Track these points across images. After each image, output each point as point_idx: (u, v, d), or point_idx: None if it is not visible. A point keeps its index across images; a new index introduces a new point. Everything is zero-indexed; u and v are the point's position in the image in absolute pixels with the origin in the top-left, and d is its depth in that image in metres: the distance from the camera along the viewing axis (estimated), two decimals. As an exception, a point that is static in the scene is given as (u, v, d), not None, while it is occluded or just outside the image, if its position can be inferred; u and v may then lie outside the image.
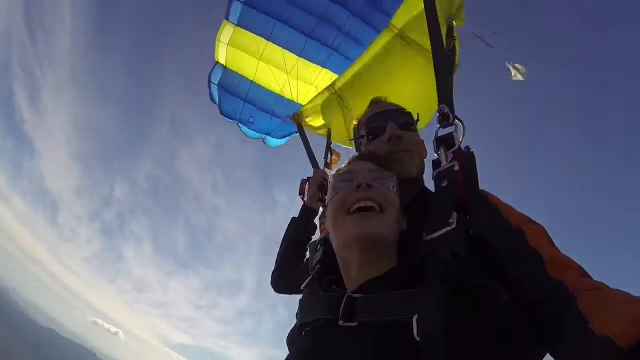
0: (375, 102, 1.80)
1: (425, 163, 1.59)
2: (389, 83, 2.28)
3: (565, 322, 0.81)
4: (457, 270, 0.96)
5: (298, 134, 2.74)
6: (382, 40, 2.27)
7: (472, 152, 1.28)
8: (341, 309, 1.05)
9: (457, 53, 1.69)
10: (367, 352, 0.95)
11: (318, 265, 1.35)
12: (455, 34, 1.92)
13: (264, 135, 2.96)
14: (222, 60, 2.64)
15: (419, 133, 1.68)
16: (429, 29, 1.67)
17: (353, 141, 1.86)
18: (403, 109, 1.70)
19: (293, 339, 1.25)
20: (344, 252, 1.19)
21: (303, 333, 1.17)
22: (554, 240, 1.03)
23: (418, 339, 0.87)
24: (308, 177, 2.43)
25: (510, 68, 2.19)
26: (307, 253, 1.78)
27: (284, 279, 2.08)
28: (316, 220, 2.29)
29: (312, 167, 2.63)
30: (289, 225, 2.30)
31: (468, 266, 0.99)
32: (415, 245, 1.11)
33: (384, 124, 1.57)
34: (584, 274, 0.92)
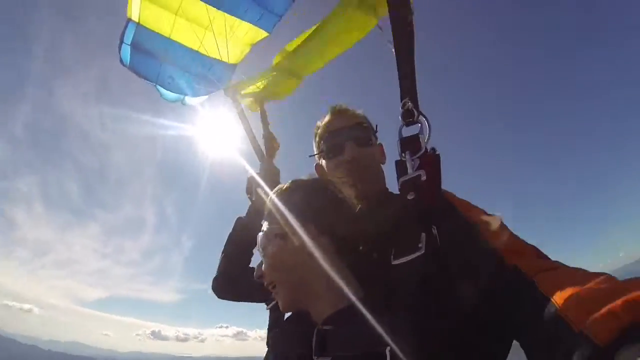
0: (335, 112, 1.72)
1: (383, 167, 1.64)
2: (333, 39, 2.19)
3: (528, 305, 0.83)
4: (427, 299, 0.98)
5: (212, 94, 2.64)
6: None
7: (438, 154, 1.22)
8: (314, 345, 1.06)
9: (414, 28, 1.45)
10: None
11: None
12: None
13: (183, 97, 2.78)
14: (135, 18, 2.37)
15: None
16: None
17: (313, 155, 1.79)
18: (362, 121, 1.67)
19: None
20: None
21: (272, 357, 1.25)
22: (507, 226, 1.07)
23: None
24: (256, 173, 2.21)
25: None
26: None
27: (229, 287, 2.02)
28: None
29: (257, 156, 2.43)
30: (234, 227, 2.13)
31: (438, 291, 0.99)
32: (382, 269, 1.12)
33: (343, 143, 1.57)
34: (540, 255, 0.97)
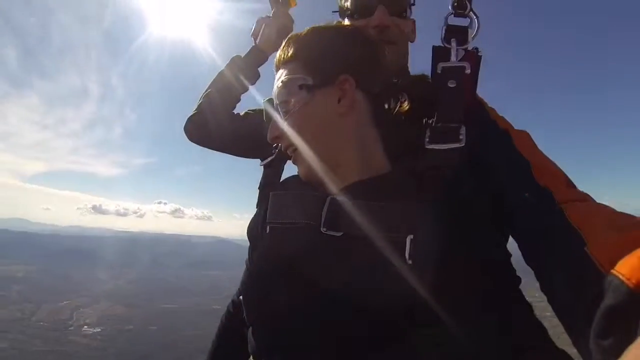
0: None
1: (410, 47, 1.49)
2: None
3: (555, 231, 0.82)
4: (461, 193, 0.93)
5: None
6: None
7: (481, 55, 1.17)
8: (323, 214, 0.97)
9: None
10: (350, 269, 0.89)
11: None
12: None
13: None
14: None
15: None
16: None
17: (337, 12, 1.53)
18: None
19: (257, 233, 1.15)
20: None
21: (268, 228, 1.08)
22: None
23: (410, 262, 0.84)
24: (267, 16, 1.76)
25: None
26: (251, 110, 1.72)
27: (206, 130, 1.71)
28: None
29: (270, 2, 1.86)
30: (229, 64, 1.74)
31: (470, 189, 0.95)
32: (411, 145, 1.05)
33: (374, 5, 1.36)
34: (570, 184, 0.94)
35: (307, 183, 1.09)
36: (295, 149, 1.06)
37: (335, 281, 0.87)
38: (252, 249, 1.18)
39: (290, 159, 1.13)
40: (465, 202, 0.92)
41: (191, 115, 1.72)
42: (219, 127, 1.67)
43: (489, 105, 1.22)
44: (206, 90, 1.74)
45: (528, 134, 1.08)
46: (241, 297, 1.09)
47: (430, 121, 1.09)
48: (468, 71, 1.13)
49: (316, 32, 1.13)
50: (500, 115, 1.18)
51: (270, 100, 1.14)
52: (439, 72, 1.15)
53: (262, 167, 1.38)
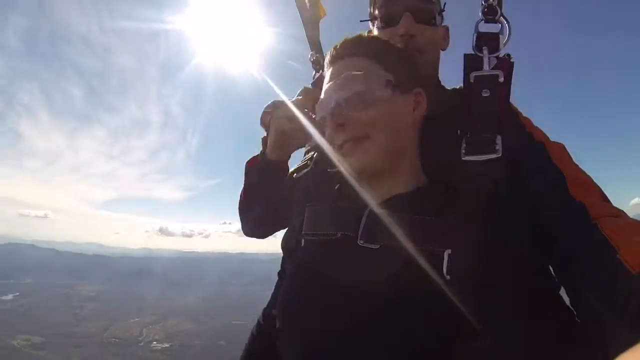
0: None
1: (441, 55, 1.46)
2: None
3: (588, 245, 0.81)
4: (496, 206, 0.91)
5: None
6: None
7: (513, 62, 1.14)
8: (361, 227, 0.97)
9: None
10: (387, 282, 0.87)
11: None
12: None
13: None
14: None
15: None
16: None
17: (365, 21, 1.52)
18: None
19: (292, 246, 1.16)
20: None
21: (305, 242, 1.10)
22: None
23: (448, 277, 0.83)
24: (274, 103, 1.41)
25: None
26: None
27: (267, 231, 1.66)
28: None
29: (301, 16, 1.92)
30: (252, 167, 1.54)
31: (505, 202, 0.94)
32: (447, 158, 1.04)
33: (400, 13, 1.34)
34: (604, 198, 0.94)
35: (339, 193, 1.11)
36: (364, 139, 1.02)
37: (371, 296, 0.87)
38: (287, 262, 1.20)
39: (340, 151, 1.06)
40: (504, 215, 0.91)
41: (244, 226, 1.65)
42: (277, 223, 1.58)
43: (524, 116, 1.20)
44: (248, 193, 1.55)
45: (563, 146, 1.07)
46: (274, 310, 1.09)
47: (466, 132, 1.07)
48: (501, 79, 1.10)
49: (383, 41, 1.19)
50: (536, 126, 1.16)
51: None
52: (472, 81, 1.13)
53: (294, 180, 1.37)
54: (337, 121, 1.04)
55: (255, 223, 1.60)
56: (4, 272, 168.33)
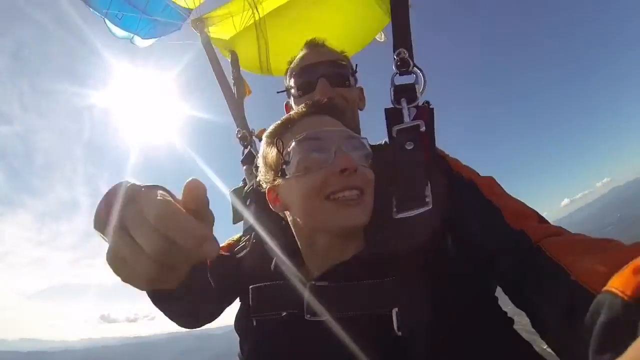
0: (309, 45, 1.61)
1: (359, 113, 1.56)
2: (316, 12, 2.22)
3: (536, 270, 0.81)
4: (436, 258, 0.94)
5: (171, 33, 2.57)
6: None
7: (433, 108, 1.19)
8: (306, 302, 0.97)
9: None
10: (341, 350, 0.88)
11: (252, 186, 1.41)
12: None
13: (132, 35, 2.63)
14: None
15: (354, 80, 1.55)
16: None
17: (282, 92, 1.67)
18: (340, 58, 1.56)
19: (245, 327, 1.15)
20: (313, 236, 1.07)
21: (255, 322, 1.09)
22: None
23: (399, 334, 0.85)
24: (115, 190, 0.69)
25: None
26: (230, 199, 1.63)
27: (203, 322, 1.36)
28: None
29: (225, 95, 2.17)
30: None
31: (444, 251, 0.98)
32: (380, 218, 1.05)
33: (315, 80, 1.46)
34: (542, 220, 0.95)
35: (279, 272, 1.09)
36: (363, 195, 1.03)
37: None
38: (242, 342, 1.16)
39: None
40: (446, 263, 0.95)
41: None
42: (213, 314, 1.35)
43: (451, 157, 1.22)
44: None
45: (493, 180, 1.08)
46: None
47: (395, 189, 1.09)
48: (423, 129, 1.13)
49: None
50: (464, 164, 1.18)
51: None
52: (394, 135, 1.15)
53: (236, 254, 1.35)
54: (354, 165, 1.01)
55: (190, 323, 1.28)
56: None
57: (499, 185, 1.08)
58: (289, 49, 1.89)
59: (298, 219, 1.08)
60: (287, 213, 1.13)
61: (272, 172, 1.13)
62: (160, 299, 0.97)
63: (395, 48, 1.27)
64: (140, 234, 0.59)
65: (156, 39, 2.69)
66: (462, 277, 0.92)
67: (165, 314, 1.10)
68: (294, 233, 1.13)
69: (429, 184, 1.04)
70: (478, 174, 1.13)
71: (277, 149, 1.07)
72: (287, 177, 1.06)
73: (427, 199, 1.02)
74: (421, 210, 1.01)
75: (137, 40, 2.65)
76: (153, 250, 0.58)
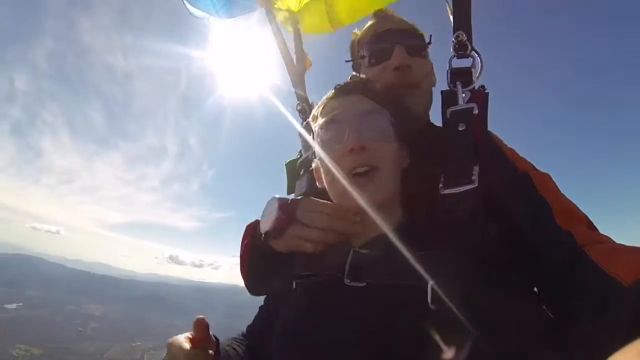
0: (379, 16, 1.59)
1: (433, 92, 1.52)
2: None
3: (577, 270, 0.83)
4: (478, 236, 0.95)
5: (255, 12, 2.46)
6: None
7: (488, 92, 1.19)
8: (347, 266, 1.02)
9: None
10: (375, 317, 0.91)
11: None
12: None
13: (208, 16, 2.52)
14: None
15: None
16: None
17: (350, 62, 1.65)
18: (415, 28, 1.52)
19: (282, 292, 1.20)
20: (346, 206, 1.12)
21: (296, 285, 1.14)
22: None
23: (433, 307, 0.86)
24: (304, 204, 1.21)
25: None
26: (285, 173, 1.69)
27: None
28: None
29: (287, 68, 2.17)
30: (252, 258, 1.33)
31: (487, 231, 0.97)
32: (427, 194, 1.08)
33: (391, 47, 1.41)
34: (591, 226, 0.95)
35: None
36: (376, 170, 1.09)
37: (361, 332, 0.92)
38: (279, 305, 1.21)
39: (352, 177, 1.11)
40: (483, 244, 0.93)
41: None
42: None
43: (508, 146, 1.23)
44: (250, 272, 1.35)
45: (549, 176, 1.09)
46: (272, 350, 1.13)
47: (445, 167, 1.10)
48: (476, 112, 1.12)
49: (385, 88, 1.34)
50: (521, 156, 1.19)
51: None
52: (448, 116, 1.16)
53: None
54: (359, 143, 1.08)
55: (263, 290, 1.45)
56: (12, 281, 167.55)
57: (554, 182, 1.07)
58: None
59: (331, 192, 1.19)
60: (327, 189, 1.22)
61: (312, 154, 1.30)
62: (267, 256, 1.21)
63: (454, 30, 1.26)
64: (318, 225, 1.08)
65: (232, 18, 2.60)
66: (501, 262, 0.92)
67: (256, 274, 1.30)
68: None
69: (477, 165, 1.03)
70: (534, 167, 1.13)
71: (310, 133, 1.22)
72: (316, 159, 1.25)
73: (473, 177, 1.01)
74: (467, 187, 1.01)
75: (213, 19, 2.59)
76: (324, 235, 1.08)
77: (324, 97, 1.28)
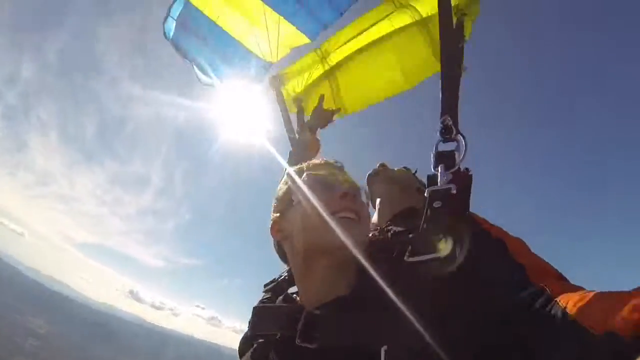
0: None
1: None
2: (378, 57, 2.58)
3: (550, 321, 0.82)
4: (440, 301, 0.94)
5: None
6: (383, 13, 2.47)
7: (471, 175, 1.25)
8: (299, 327, 1.01)
9: (463, 55, 1.59)
10: None
11: (285, 274, 1.42)
12: (467, 32, 1.89)
13: (214, 82, 2.76)
14: None
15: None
16: (440, 24, 1.62)
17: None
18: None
19: (245, 347, 1.23)
20: (310, 259, 1.15)
21: (255, 345, 1.15)
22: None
23: None
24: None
25: None
26: None
27: None
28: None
29: (289, 137, 2.49)
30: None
31: (453, 296, 0.96)
32: (391, 260, 1.11)
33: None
34: (562, 278, 0.98)
35: (288, 298, 1.19)
36: (359, 220, 1.17)
37: None
38: None
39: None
40: (447, 309, 0.92)
41: None
42: None
43: (480, 216, 1.24)
44: None
45: (522, 240, 1.11)
46: None
47: (414, 237, 1.16)
48: (454, 192, 1.18)
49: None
50: (493, 224, 1.21)
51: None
52: (426, 195, 1.21)
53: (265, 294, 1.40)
54: (353, 192, 1.21)
55: None
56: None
57: (527, 245, 1.10)
58: (358, 89, 2.65)
59: (298, 243, 1.18)
60: (287, 242, 1.25)
61: (280, 204, 1.29)
62: None
63: (441, 115, 1.34)
64: None
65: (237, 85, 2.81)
66: (471, 325, 0.90)
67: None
68: (291, 263, 1.24)
69: (445, 237, 1.06)
70: (507, 233, 1.15)
71: (288, 183, 1.28)
72: (293, 203, 1.22)
73: (439, 247, 1.03)
74: (429, 256, 1.03)
75: (217, 84, 2.81)
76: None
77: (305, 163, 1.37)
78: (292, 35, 2.53)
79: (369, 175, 2.03)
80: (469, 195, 1.20)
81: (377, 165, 2.02)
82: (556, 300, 0.84)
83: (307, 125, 2.49)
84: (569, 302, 0.81)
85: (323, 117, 2.57)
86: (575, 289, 0.89)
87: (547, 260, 1.04)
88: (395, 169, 2.10)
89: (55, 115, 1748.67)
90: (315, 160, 1.38)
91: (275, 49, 2.60)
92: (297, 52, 2.71)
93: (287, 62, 2.76)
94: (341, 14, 2.39)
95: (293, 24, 2.47)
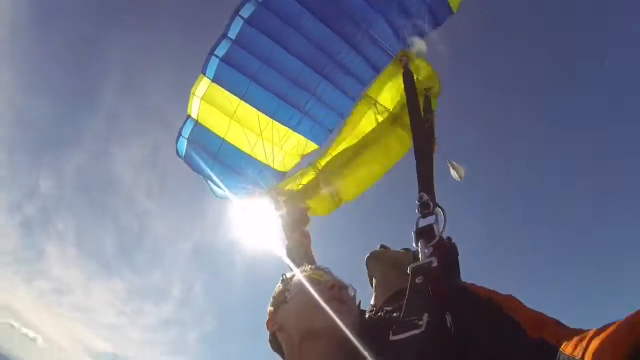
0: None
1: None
2: (372, 163, 2.53)
3: None
4: None
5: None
6: (361, 116, 2.45)
7: (454, 243, 1.31)
8: None
9: (434, 130, 1.74)
10: None
11: None
12: (434, 108, 2.02)
13: (230, 196, 2.83)
14: (194, 115, 2.61)
15: None
16: (409, 108, 1.77)
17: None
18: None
19: None
20: (304, 346, 1.19)
21: None
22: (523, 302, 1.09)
23: None
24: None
25: (450, 167, 2.32)
26: None
27: None
28: None
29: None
30: None
31: None
32: (378, 343, 1.12)
33: None
34: (560, 324, 0.95)
35: None
36: (346, 306, 1.27)
37: None
38: None
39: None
40: None
41: None
42: None
43: (469, 282, 1.26)
44: None
45: (512, 296, 1.10)
46: None
47: (398, 317, 1.16)
48: (435, 264, 1.20)
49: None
50: (480, 286, 1.21)
51: None
52: (409, 272, 1.23)
53: None
54: (340, 285, 1.33)
55: None
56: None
57: (519, 300, 1.07)
58: (350, 182, 2.53)
59: (292, 331, 1.25)
60: (282, 333, 1.29)
61: (276, 300, 1.38)
62: None
63: (418, 192, 1.42)
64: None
65: (252, 198, 2.80)
66: None
67: None
68: (286, 353, 1.28)
69: (427, 312, 1.05)
70: (496, 292, 1.14)
71: (282, 282, 1.41)
72: (287, 299, 1.33)
73: (420, 323, 1.03)
74: (410, 333, 1.03)
75: (233, 199, 2.83)
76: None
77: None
78: (300, 143, 2.65)
79: (367, 257, 1.87)
80: (453, 264, 1.26)
81: (378, 246, 1.90)
82: (557, 346, 0.83)
83: (294, 227, 2.51)
84: (571, 346, 0.79)
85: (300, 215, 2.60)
86: (575, 332, 0.86)
87: (541, 311, 1.02)
88: (397, 250, 1.96)
89: (72, 228, 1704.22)
90: (306, 266, 1.49)
91: (285, 157, 2.69)
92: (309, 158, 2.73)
93: (298, 170, 2.75)
94: (342, 116, 2.47)
95: (300, 133, 2.59)
